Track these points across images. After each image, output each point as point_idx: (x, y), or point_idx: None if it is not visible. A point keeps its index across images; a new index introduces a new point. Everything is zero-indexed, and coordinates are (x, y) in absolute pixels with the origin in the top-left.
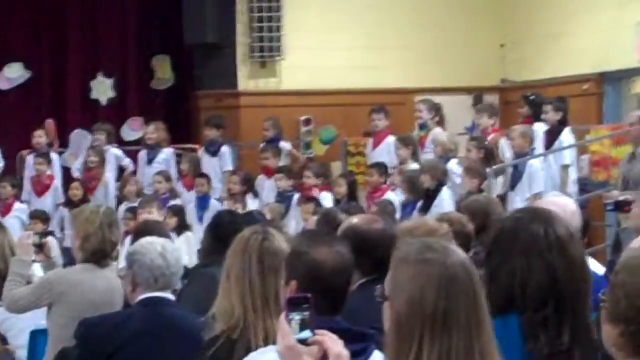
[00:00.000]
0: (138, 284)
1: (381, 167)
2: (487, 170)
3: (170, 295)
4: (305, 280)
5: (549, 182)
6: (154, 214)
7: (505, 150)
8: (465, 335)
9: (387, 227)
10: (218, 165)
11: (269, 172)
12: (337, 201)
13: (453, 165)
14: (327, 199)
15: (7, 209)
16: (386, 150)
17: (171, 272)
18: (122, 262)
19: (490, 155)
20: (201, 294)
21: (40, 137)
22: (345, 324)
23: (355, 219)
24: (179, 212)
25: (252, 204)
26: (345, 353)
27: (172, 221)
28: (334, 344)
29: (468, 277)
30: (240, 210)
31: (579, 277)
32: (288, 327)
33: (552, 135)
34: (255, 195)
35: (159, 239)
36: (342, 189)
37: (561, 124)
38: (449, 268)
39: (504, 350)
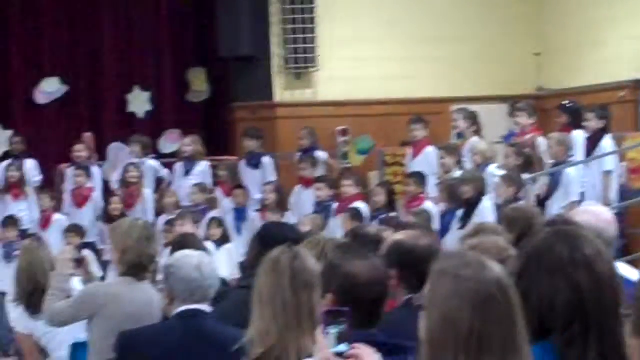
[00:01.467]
0: (175, 297)
1: (419, 177)
2: (525, 177)
3: (206, 308)
4: (340, 292)
5: (591, 190)
6: (187, 227)
7: (544, 149)
8: None
9: (433, 242)
10: (259, 177)
11: (307, 183)
12: (375, 211)
13: (493, 170)
14: (363, 209)
15: (46, 222)
16: (425, 160)
17: (208, 284)
18: (161, 275)
19: (529, 162)
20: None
21: (80, 152)
22: (382, 337)
23: (400, 235)
24: (222, 223)
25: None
26: None
27: (217, 232)
28: (371, 357)
29: (505, 298)
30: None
31: (608, 294)
32: (325, 341)
33: (593, 143)
34: (286, 208)
35: (195, 252)
36: (381, 197)
37: (602, 131)
38: (485, 287)
39: None
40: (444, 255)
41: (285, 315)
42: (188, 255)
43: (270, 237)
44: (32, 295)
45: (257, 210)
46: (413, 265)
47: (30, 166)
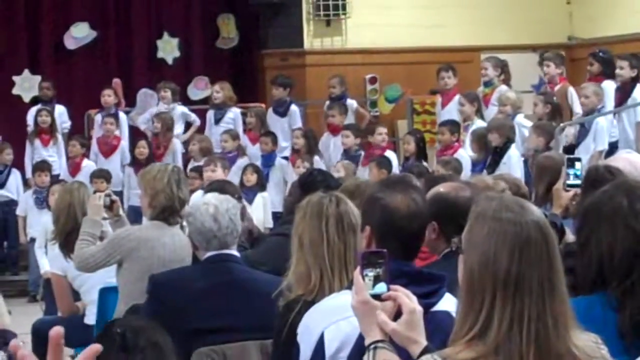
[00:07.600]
0: (196, 244)
1: (453, 125)
2: (554, 126)
3: (235, 252)
4: (379, 225)
5: (623, 141)
6: (218, 173)
7: (575, 99)
8: (538, 301)
9: (475, 195)
10: (287, 125)
11: (335, 130)
12: (405, 159)
13: (521, 120)
14: (393, 158)
15: (76, 168)
16: (455, 109)
17: (223, 233)
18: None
19: (557, 111)
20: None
21: (109, 97)
22: (416, 268)
23: (442, 187)
24: (258, 170)
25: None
26: (419, 309)
27: (253, 178)
28: (409, 299)
29: (543, 240)
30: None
31: None
32: (362, 282)
33: (624, 92)
34: (314, 153)
35: (214, 199)
36: (411, 146)
37: (634, 80)
38: (524, 230)
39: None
40: (484, 198)
41: (330, 257)
42: (206, 203)
43: (313, 184)
44: (70, 235)
45: (285, 158)
46: (454, 217)
47: (60, 112)
